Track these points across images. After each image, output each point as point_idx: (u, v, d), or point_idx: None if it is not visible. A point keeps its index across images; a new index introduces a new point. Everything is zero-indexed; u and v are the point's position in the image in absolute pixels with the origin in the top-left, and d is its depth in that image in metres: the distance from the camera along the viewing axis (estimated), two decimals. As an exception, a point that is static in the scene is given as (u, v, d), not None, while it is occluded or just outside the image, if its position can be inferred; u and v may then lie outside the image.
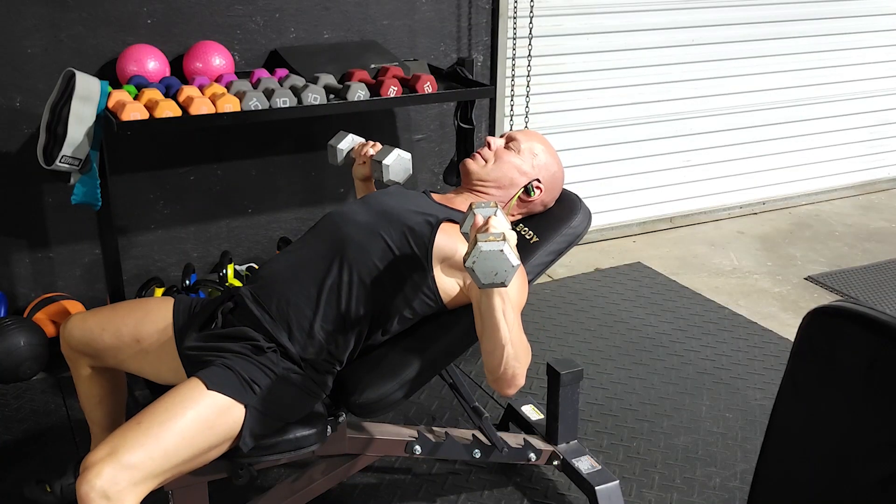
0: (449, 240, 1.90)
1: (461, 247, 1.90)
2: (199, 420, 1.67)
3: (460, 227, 1.79)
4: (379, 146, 2.26)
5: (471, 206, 1.75)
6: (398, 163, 2.19)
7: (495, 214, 1.70)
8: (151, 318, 1.95)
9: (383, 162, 2.18)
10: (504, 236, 1.60)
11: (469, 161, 2.10)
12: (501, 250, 1.58)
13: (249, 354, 1.81)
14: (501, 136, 2.16)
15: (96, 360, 1.99)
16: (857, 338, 1.22)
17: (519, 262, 1.60)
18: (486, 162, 2.09)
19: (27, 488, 2.23)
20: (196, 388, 1.70)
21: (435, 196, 2.11)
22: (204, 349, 1.86)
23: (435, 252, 1.89)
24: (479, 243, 1.58)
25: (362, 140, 2.32)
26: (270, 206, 3.41)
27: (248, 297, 1.91)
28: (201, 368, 1.77)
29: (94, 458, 1.57)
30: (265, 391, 1.77)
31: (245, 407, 1.73)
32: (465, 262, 1.60)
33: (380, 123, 3.49)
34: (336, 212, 2.04)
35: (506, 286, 1.62)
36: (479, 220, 1.69)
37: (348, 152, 2.33)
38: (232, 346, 1.83)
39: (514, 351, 1.74)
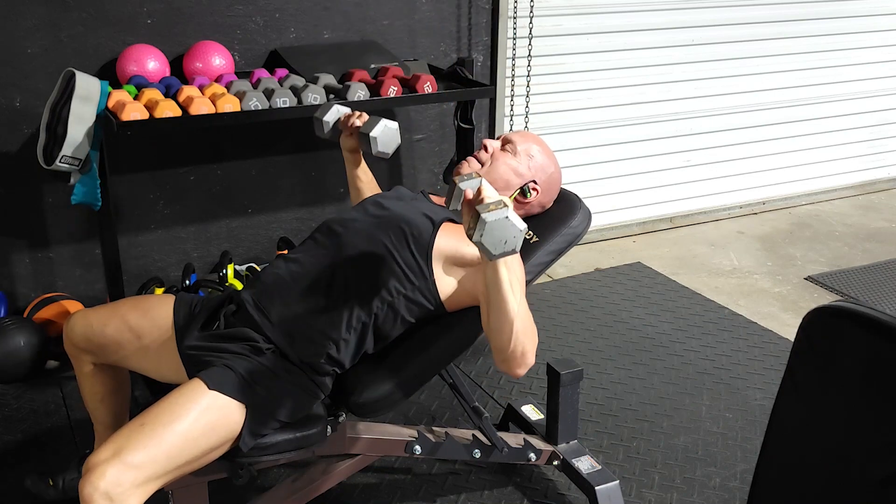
0: (449, 239, 1.91)
1: (462, 244, 1.90)
2: (202, 421, 1.67)
3: (447, 204, 1.72)
4: (366, 116, 2.18)
5: (453, 181, 1.69)
6: (385, 134, 2.10)
7: (482, 184, 1.65)
8: (153, 316, 1.96)
9: (370, 134, 2.09)
10: (504, 203, 1.56)
11: (464, 164, 2.10)
12: (507, 217, 1.54)
13: (249, 355, 1.82)
14: (498, 138, 2.15)
15: (98, 356, 2.00)
16: (857, 338, 1.22)
17: (524, 224, 1.56)
18: (481, 165, 2.08)
19: (30, 480, 2.24)
20: (198, 388, 1.70)
21: (434, 198, 2.11)
22: (205, 349, 1.86)
23: (435, 253, 1.89)
24: (482, 215, 1.54)
25: (348, 110, 2.23)
26: (270, 206, 3.41)
27: (249, 303, 1.91)
28: (202, 368, 1.78)
29: (97, 458, 1.58)
30: (266, 391, 1.77)
31: (246, 407, 1.73)
32: (470, 237, 1.56)
33: (380, 123, 3.49)
34: (335, 218, 2.04)
35: (516, 252, 1.59)
36: (470, 193, 1.64)
37: (335, 124, 2.24)
38: (232, 347, 1.84)
39: (523, 326, 1.73)
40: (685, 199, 4.48)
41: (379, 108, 3.16)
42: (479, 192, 1.62)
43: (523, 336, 1.74)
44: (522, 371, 1.78)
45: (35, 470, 2.31)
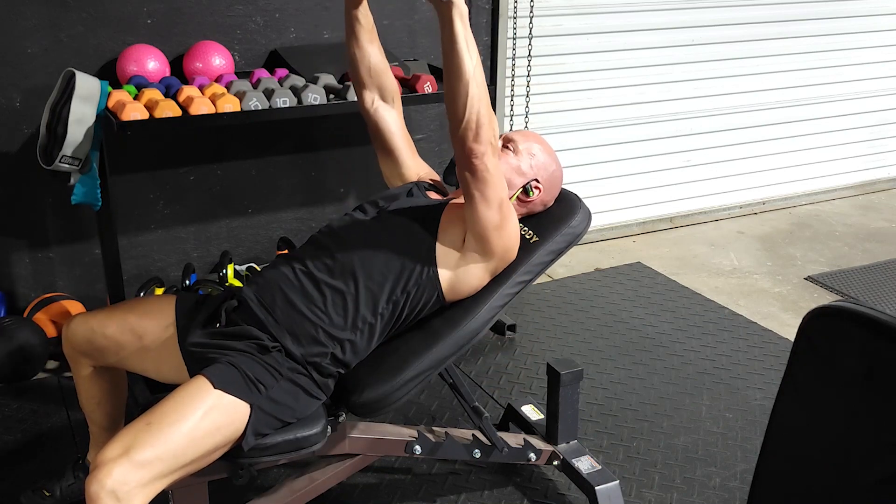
0: (447, 220, 1.93)
1: (457, 211, 1.92)
2: (208, 421, 1.66)
3: None
4: None
5: None
6: None
7: None
8: (153, 315, 1.95)
9: None
10: None
11: None
12: None
13: (254, 353, 1.82)
14: (499, 137, 2.15)
15: (98, 359, 1.99)
16: (857, 338, 1.22)
17: None
18: None
19: (24, 496, 2.23)
20: (203, 387, 1.70)
21: (430, 194, 2.11)
22: (208, 346, 1.86)
23: (438, 245, 1.90)
24: None
25: None
26: (270, 206, 3.41)
27: (251, 300, 1.90)
28: (205, 366, 1.77)
29: (105, 456, 1.57)
30: (270, 391, 1.77)
31: (250, 407, 1.73)
32: None
33: (380, 123, 3.49)
34: (337, 220, 2.05)
35: None
36: None
37: None
38: (236, 345, 1.83)
39: (478, 92, 1.71)
40: (685, 199, 4.48)
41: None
42: None
43: (478, 102, 1.71)
44: (480, 147, 1.75)
45: (33, 474, 2.31)
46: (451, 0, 1.66)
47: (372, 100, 2.18)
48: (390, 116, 2.20)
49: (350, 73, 2.20)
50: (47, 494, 2.22)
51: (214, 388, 1.70)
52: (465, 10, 1.67)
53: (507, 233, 1.91)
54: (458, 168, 1.83)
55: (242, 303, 1.92)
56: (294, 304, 1.87)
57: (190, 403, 1.67)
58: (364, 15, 2.09)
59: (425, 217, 1.94)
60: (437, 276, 1.90)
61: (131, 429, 1.63)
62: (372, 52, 2.13)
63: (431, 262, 1.89)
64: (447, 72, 1.73)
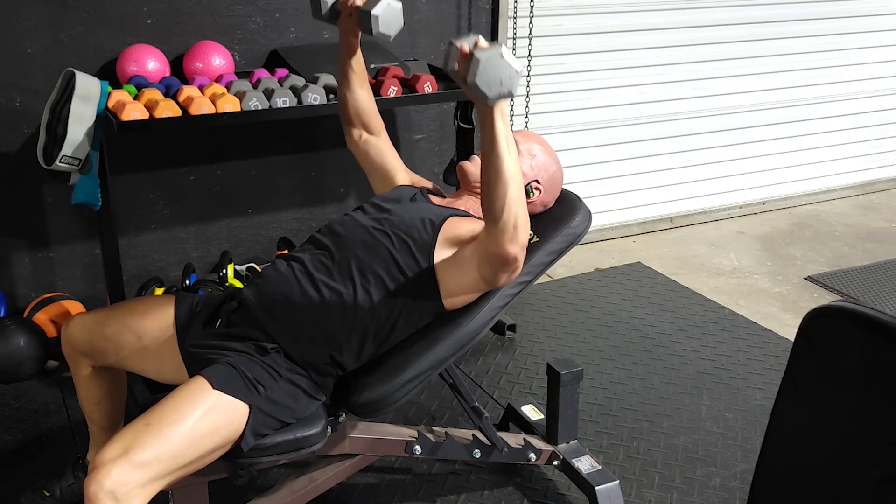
0: (449, 232, 1.91)
1: (462, 226, 1.91)
2: (207, 421, 1.67)
3: (445, 66, 1.66)
4: None
5: (450, 41, 1.63)
6: (388, 12, 1.96)
7: (478, 38, 1.59)
8: (153, 316, 1.95)
9: (372, 12, 1.94)
10: (499, 45, 1.52)
11: (466, 163, 2.10)
12: (501, 55, 1.49)
13: (253, 354, 1.82)
14: None
15: (97, 359, 1.99)
16: (857, 338, 1.22)
17: (521, 66, 1.52)
18: None
19: (25, 497, 2.23)
20: (202, 388, 1.70)
21: (434, 199, 2.11)
22: (207, 347, 1.86)
23: (437, 251, 1.89)
24: (475, 54, 1.49)
25: None
26: (270, 206, 3.41)
27: (251, 301, 1.90)
28: (204, 366, 1.77)
29: (104, 457, 1.57)
30: (268, 391, 1.77)
31: (249, 407, 1.73)
32: (465, 81, 1.50)
33: (380, 123, 3.49)
34: (337, 220, 2.04)
35: (513, 94, 1.55)
36: (466, 47, 1.59)
37: (333, 4, 2.09)
38: (236, 346, 1.83)
39: (518, 194, 1.67)
40: (685, 199, 4.48)
41: (379, 107, 3.16)
42: (475, 43, 1.58)
43: (516, 205, 1.68)
44: (514, 248, 1.72)
45: (33, 473, 2.31)
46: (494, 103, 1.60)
47: (359, 135, 2.26)
48: (379, 142, 2.26)
49: (339, 112, 2.28)
50: (47, 494, 2.22)
51: (213, 388, 1.70)
52: (507, 109, 1.63)
53: None
54: (488, 257, 1.77)
55: (242, 304, 1.92)
56: (292, 305, 1.87)
57: (189, 404, 1.67)
58: (357, 62, 2.18)
59: (427, 223, 1.93)
60: (436, 281, 1.89)
61: (130, 429, 1.63)
62: (361, 95, 2.23)
63: (430, 266, 1.89)
64: (486, 170, 1.68)
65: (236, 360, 1.79)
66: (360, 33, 2.09)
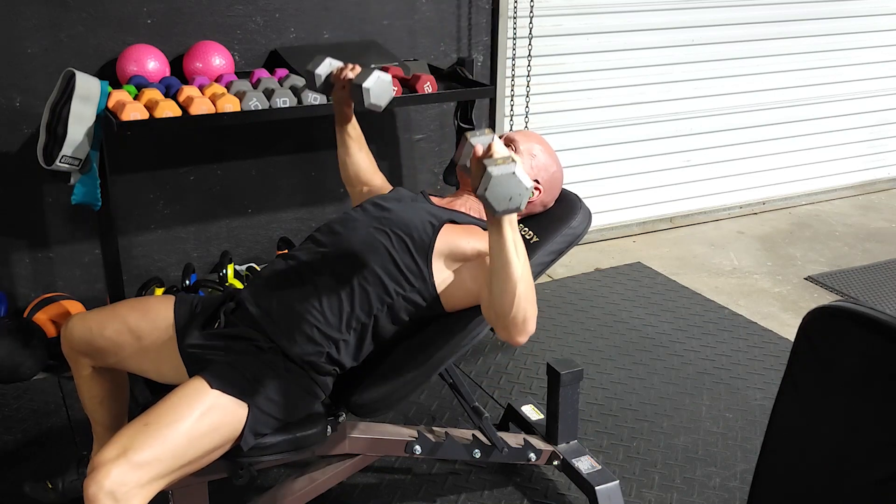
0: (449, 238, 1.91)
1: (461, 239, 1.90)
2: (205, 421, 1.67)
3: (457, 161, 1.71)
4: (358, 69, 2.14)
5: (465, 135, 1.67)
6: (379, 85, 2.05)
7: (493, 140, 1.64)
8: (152, 316, 1.95)
9: (363, 85, 2.03)
10: (512, 159, 1.55)
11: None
12: (513, 173, 1.53)
13: (251, 354, 1.82)
14: (500, 138, 2.15)
15: (97, 359, 1.99)
16: (857, 338, 1.22)
17: (532, 182, 1.54)
18: None
19: (28, 486, 2.24)
20: (200, 388, 1.70)
21: (434, 199, 2.10)
22: (206, 348, 1.86)
23: (435, 255, 1.89)
24: (489, 168, 1.52)
25: (341, 64, 2.19)
26: (270, 206, 3.41)
27: (249, 301, 1.91)
28: (203, 367, 1.77)
29: (103, 457, 1.57)
30: (267, 390, 1.77)
31: (248, 406, 1.73)
32: (476, 191, 1.54)
33: (380, 123, 3.50)
34: (336, 219, 2.04)
35: (521, 210, 1.58)
36: (480, 149, 1.63)
37: (327, 77, 2.18)
38: (234, 346, 1.84)
39: (525, 291, 1.70)
40: (685, 199, 4.48)
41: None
42: (489, 147, 1.61)
43: (525, 302, 1.70)
44: (523, 339, 1.75)
45: (35, 472, 2.31)
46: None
47: (361, 190, 2.30)
48: (375, 180, 2.31)
49: (341, 172, 2.33)
50: (50, 486, 2.23)
51: (212, 388, 1.70)
52: (514, 215, 1.65)
53: None
54: (492, 322, 1.79)
55: (239, 304, 1.92)
56: (289, 304, 1.87)
57: (187, 404, 1.67)
58: (353, 128, 2.26)
59: (426, 224, 1.93)
60: (434, 282, 1.89)
61: (129, 430, 1.63)
62: (361, 158, 2.28)
63: (428, 267, 1.89)
64: (494, 270, 1.70)
65: (234, 361, 1.79)
66: (353, 104, 2.18)
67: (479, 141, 1.64)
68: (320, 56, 2.21)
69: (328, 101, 2.79)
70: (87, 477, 1.56)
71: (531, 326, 1.75)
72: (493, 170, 1.53)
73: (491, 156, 1.59)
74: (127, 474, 1.56)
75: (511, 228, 1.65)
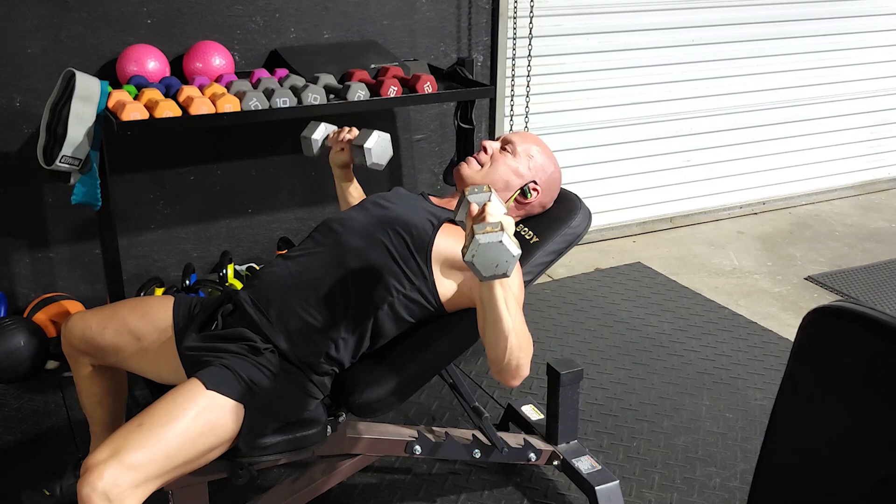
0: (448, 240, 1.90)
1: (459, 246, 1.90)
2: (200, 422, 1.67)
3: (454, 217, 1.76)
4: (356, 131, 2.21)
5: (463, 192, 1.69)
6: (379, 144, 2.12)
7: (490, 200, 1.65)
8: (152, 317, 1.96)
9: (365, 146, 2.11)
10: (501, 226, 1.55)
11: (463, 165, 2.09)
12: (500, 241, 1.53)
13: (247, 355, 1.82)
14: (497, 139, 2.15)
15: (97, 358, 1.99)
16: (857, 338, 1.22)
17: (519, 251, 1.55)
18: (481, 166, 2.07)
19: (25, 495, 2.23)
20: (195, 388, 1.71)
21: (434, 199, 2.10)
22: (203, 349, 1.86)
23: (434, 254, 1.89)
24: (477, 236, 1.53)
25: (335, 128, 2.27)
26: (270, 206, 3.41)
27: (247, 302, 1.91)
28: (200, 368, 1.78)
29: (95, 459, 1.58)
30: (264, 391, 1.78)
31: (245, 407, 1.73)
32: (463, 256, 1.56)
33: (380, 123, 3.49)
34: (335, 218, 2.04)
35: (507, 276, 1.58)
36: (475, 209, 1.64)
37: (323, 141, 2.27)
38: (230, 347, 1.84)
39: (518, 341, 1.72)
40: (685, 199, 4.48)
41: (379, 108, 3.17)
42: (483, 208, 1.62)
43: (518, 351, 1.72)
44: (516, 382, 1.78)
45: (34, 473, 2.31)
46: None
47: None
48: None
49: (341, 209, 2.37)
50: (48, 494, 2.22)
51: (207, 389, 1.70)
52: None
53: None
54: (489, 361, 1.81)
55: (237, 306, 1.92)
56: (287, 304, 1.87)
57: (182, 405, 1.67)
58: (355, 188, 2.33)
59: (425, 222, 1.93)
60: (434, 280, 1.89)
61: (123, 430, 1.63)
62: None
63: (427, 266, 1.89)
64: (483, 325, 1.71)
65: (230, 362, 1.79)
66: (352, 164, 2.25)
67: (474, 200, 1.67)
68: (314, 122, 2.29)
69: (328, 100, 2.79)
70: (80, 478, 1.56)
71: (525, 372, 1.77)
72: (481, 237, 1.53)
73: (483, 219, 1.59)
74: (120, 475, 1.56)
75: (501, 287, 1.65)
